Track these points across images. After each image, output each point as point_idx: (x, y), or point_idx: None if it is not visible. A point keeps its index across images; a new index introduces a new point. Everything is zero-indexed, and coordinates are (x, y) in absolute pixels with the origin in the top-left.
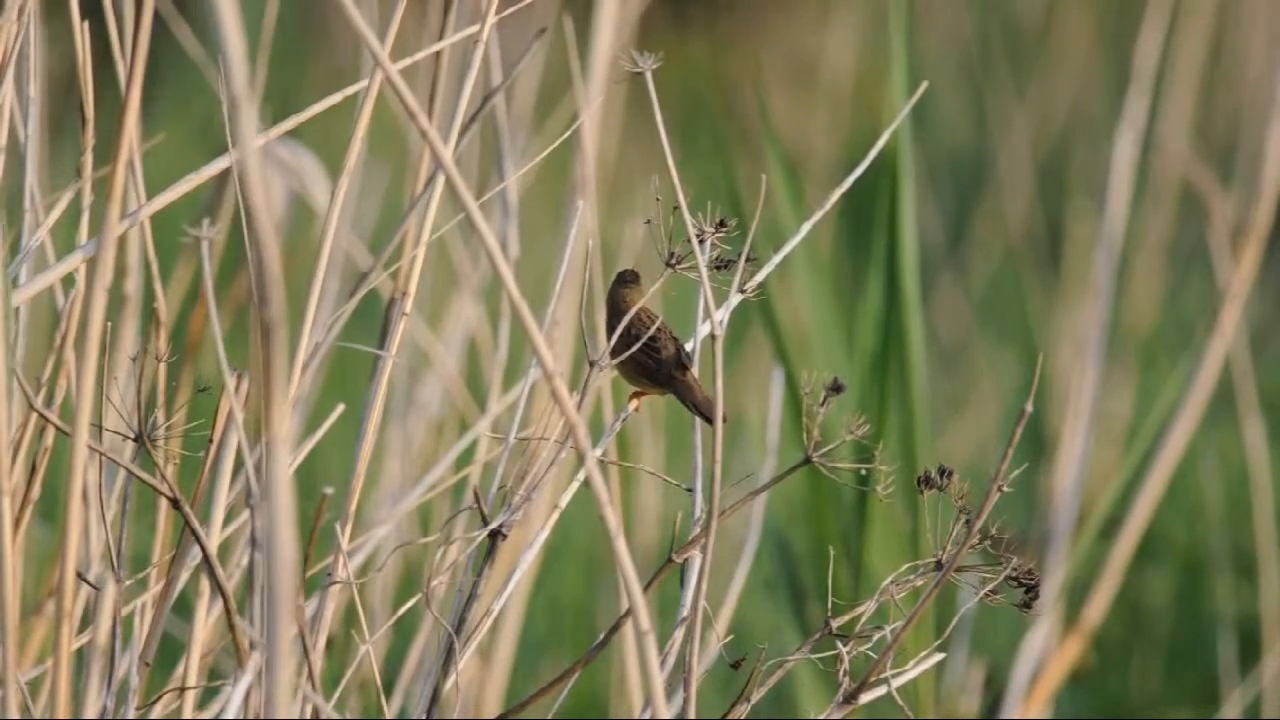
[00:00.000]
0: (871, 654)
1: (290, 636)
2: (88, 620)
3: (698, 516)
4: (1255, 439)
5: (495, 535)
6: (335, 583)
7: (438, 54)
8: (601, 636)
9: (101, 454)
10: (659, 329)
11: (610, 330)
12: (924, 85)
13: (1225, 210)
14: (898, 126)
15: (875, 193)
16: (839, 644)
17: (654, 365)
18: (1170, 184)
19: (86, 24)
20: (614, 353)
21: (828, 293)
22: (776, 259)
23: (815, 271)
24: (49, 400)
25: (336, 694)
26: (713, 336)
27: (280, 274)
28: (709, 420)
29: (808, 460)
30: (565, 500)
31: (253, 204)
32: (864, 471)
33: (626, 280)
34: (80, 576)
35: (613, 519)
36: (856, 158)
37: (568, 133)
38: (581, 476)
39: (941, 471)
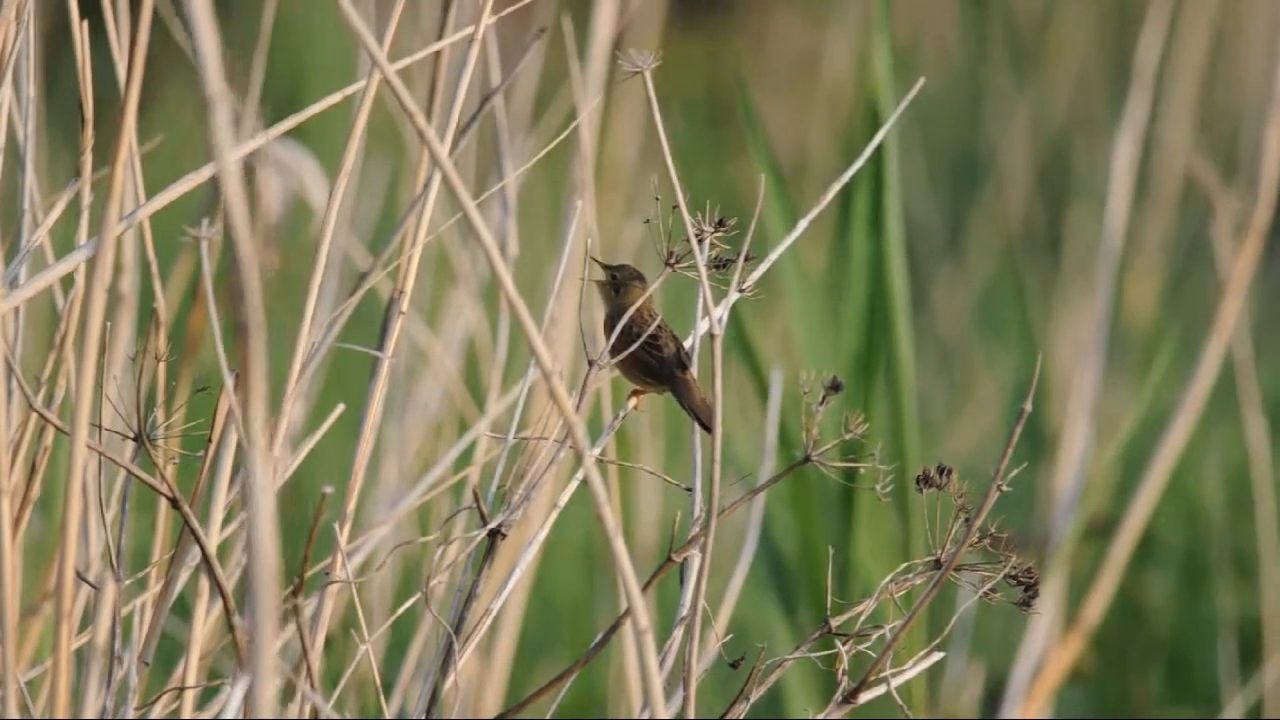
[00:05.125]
0: (870, 653)
1: (274, 640)
2: (87, 620)
3: (697, 516)
4: (1256, 438)
5: (495, 535)
6: (334, 582)
7: (436, 54)
8: (600, 636)
9: (101, 454)
10: (659, 326)
11: (610, 328)
12: (920, 81)
13: (1226, 208)
14: (887, 125)
15: (856, 190)
16: (837, 643)
17: (656, 363)
18: (1170, 183)
19: (86, 24)
20: (615, 350)
21: (817, 296)
22: (773, 256)
23: (801, 277)
24: (49, 400)
25: (335, 693)
26: (712, 335)
27: (257, 273)
28: (705, 426)
29: (807, 459)
30: (564, 500)
31: (229, 205)
32: (861, 471)
33: (627, 278)
34: (80, 576)
35: (611, 518)
36: (853, 158)
37: (564, 134)
38: (580, 476)
39: (940, 470)
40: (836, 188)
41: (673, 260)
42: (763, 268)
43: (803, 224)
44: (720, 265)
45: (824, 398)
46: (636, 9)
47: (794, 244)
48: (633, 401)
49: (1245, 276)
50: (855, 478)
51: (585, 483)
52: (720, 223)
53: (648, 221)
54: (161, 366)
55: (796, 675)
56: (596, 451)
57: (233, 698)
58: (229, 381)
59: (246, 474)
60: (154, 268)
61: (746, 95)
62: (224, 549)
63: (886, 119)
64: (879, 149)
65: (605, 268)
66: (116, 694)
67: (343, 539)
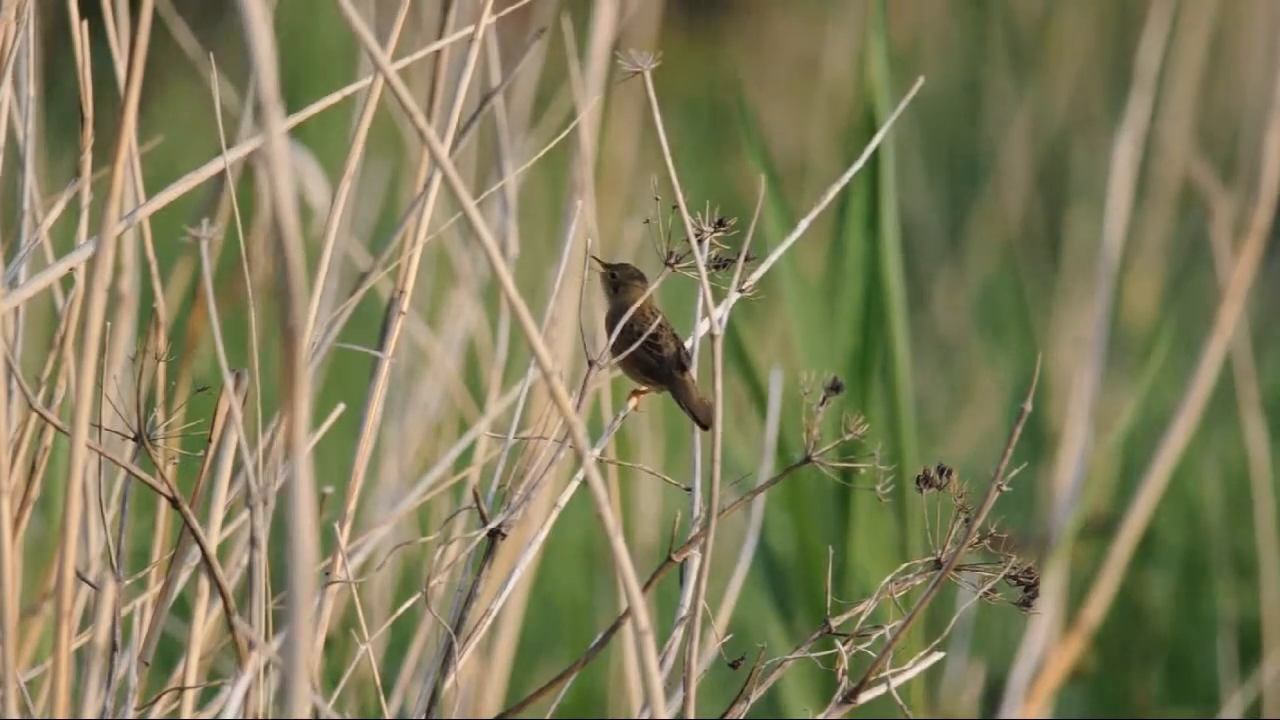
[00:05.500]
0: (870, 653)
1: (310, 646)
2: (87, 620)
3: (696, 516)
4: (1255, 439)
5: (495, 535)
6: (334, 582)
7: (436, 54)
8: (600, 636)
9: (101, 454)
10: (660, 326)
11: (611, 327)
12: (919, 82)
13: (1226, 209)
14: (885, 127)
15: (852, 190)
16: (837, 643)
17: (656, 363)
18: (1170, 183)
19: (86, 24)
20: (615, 349)
21: (814, 296)
22: (773, 256)
23: (798, 277)
24: (49, 400)
25: (335, 694)
26: (712, 336)
27: (304, 282)
28: (703, 425)
29: (807, 459)
30: (564, 500)
31: (280, 213)
32: (861, 471)
33: (628, 277)
34: (80, 576)
35: (611, 518)
36: (851, 159)
37: (564, 133)
38: (580, 476)
39: (940, 470)
40: (834, 190)
41: (673, 260)
42: (763, 268)
43: (802, 225)
44: (720, 265)
45: (824, 398)
46: (636, 9)
47: (792, 245)
48: (633, 401)
49: (1245, 279)
50: (854, 478)
51: (585, 483)
52: (720, 223)
53: (648, 221)
54: (161, 366)
55: (796, 675)
56: (596, 451)
57: (233, 698)
58: (229, 381)
59: (290, 475)
60: (154, 268)
61: (743, 96)
62: (224, 549)
63: (884, 120)
64: (875, 149)
65: (605, 266)
66: (116, 694)
67: (343, 539)
